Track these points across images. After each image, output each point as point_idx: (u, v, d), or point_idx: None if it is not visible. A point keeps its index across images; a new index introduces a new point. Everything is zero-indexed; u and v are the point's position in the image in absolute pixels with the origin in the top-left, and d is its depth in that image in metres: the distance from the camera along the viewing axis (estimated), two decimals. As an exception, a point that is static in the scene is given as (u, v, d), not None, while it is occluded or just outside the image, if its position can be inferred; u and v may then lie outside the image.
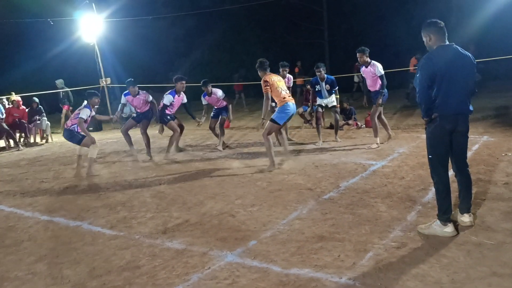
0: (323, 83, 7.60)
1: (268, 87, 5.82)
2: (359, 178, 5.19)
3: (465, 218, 3.47)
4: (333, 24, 20.07)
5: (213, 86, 8.02)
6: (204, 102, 8.10)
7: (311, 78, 8.16)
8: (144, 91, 7.72)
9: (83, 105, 6.62)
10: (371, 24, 18.95)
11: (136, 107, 7.76)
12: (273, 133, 6.27)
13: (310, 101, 8.14)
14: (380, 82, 6.86)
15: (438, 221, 3.35)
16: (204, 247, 3.45)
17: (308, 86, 9.45)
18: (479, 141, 6.72)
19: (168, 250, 3.46)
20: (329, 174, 5.47)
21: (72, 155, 8.52)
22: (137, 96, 7.54)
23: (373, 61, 6.87)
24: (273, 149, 6.02)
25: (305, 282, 2.77)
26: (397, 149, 6.67)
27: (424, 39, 3.41)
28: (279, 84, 5.96)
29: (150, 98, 7.63)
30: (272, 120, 5.90)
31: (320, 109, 7.81)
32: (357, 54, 6.89)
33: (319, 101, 7.77)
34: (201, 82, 7.93)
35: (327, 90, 7.64)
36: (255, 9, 20.18)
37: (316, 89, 7.72)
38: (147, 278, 3.01)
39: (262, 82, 5.90)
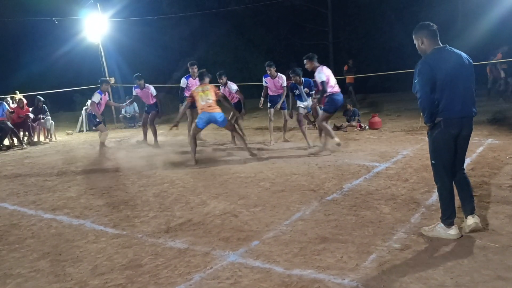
0: (302, 87, 7.46)
1: (190, 98, 6.93)
2: (362, 179, 5.18)
3: (469, 220, 3.32)
4: (337, 26, 20.03)
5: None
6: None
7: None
8: (149, 85, 8.87)
9: (96, 91, 8.08)
10: (375, 27, 18.91)
11: (145, 100, 8.88)
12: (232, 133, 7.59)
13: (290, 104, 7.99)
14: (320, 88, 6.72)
15: (441, 224, 3.32)
16: (207, 246, 3.45)
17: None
18: (483, 144, 6.68)
19: (170, 249, 3.46)
20: (333, 175, 5.46)
21: (75, 154, 8.56)
22: (144, 89, 8.76)
23: (319, 68, 6.72)
24: (195, 148, 6.93)
25: (307, 283, 2.76)
26: (401, 151, 6.64)
27: (415, 42, 3.33)
28: (199, 95, 6.77)
29: (154, 92, 8.83)
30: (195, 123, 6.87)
31: (301, 111, 7.58)
32: (305, 61, 6.81)
33: (298, 103, 7.60)
34: (217, 74, 8.36)
35: (306, 93, 7.51)
36: (260, 10, 20.20)
37: (296, 93, 7.56)
38: (149, 277, 3.01)
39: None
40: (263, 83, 8.10)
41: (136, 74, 8.89)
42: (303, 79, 7.49)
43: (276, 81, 8.02)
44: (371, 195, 4.51)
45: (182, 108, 7.59)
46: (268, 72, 7.94)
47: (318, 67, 6.71)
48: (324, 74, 6.58)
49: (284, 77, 8.14)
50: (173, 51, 22.42)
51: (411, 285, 2.67)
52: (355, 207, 4.16)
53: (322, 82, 6.54)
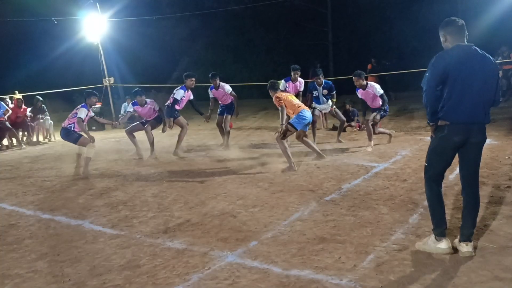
0: (321, 88, 7.65)
1: (281, 101, 5.99)
2: (361, 180, 5.18)
3: (463, 248, 2.98)
4: (337, 26, 20.04)
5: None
6: (210, 95, 8.14)
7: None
8: (151, 100, 7.69)
9: (80, 105, 6.59)
10: (375, 26, 18.93)
11: (145, 116, 7.64)
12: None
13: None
14: (381, 100, 6.96)
15: (432, 236, 3.06)
16: (205, 247, 3.45)
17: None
18: (482, 144, 6.68)
19: (168, 249, 3.46)
20: (331, 175, 5.46)
21: (74, 154, 8.51)
22: (145, 106, 7.52)
23: (369, 83, 7.01)
24: (289, 151, 6.01)
25: (305, 284, 2.76)
26: (400, 152, 6.65)
27: (441, 39, 3.05)
28: (290, 96, 6.26)
29: (157, 107, 7.62)
30: (290, 124, 5.97)
31: (316, 113, 7.77)
32: (353, 78, 6.98)
33: (315, 104, 7.81)
34: (210, 75, 7.96)
35: (324, 95, 7.67)
36: (260, 10, 20.19)
37: (314, 95, 7.76)
38: (147, 278, 3.01)
39: (274, 99, 6.12)
40: (282, 87, 7.44)
41: (135, 90, 7.63)
42: (323, 80, 7.57)
43: (297, 85, 7.89)
44: (369, 196, 4.51)
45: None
46: (296, 76, 7.73)
47: (367, 84, 6.96)
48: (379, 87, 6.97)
49: (303, 81, 8.07)
50: (173, 51, 22.43)
51: (408, 285, 2.67)
52: (353, 208, 4.16)
53: (382, 95, 6.93)
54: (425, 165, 3.14)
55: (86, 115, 6.54)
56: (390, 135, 7.39)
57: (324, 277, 2.84)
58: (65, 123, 6.57)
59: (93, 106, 6.81)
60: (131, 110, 7.69)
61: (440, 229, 3.02)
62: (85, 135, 6.48)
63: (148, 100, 7.58)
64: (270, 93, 6.31)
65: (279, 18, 20.94)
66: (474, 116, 2.89)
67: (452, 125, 2.90)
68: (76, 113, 6.47)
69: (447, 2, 16.66)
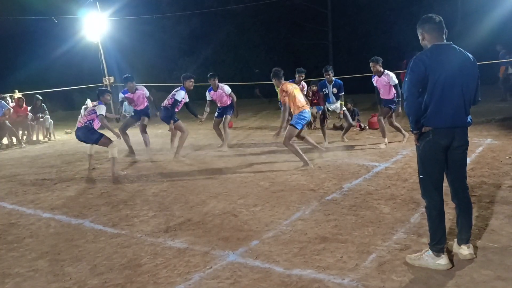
0: (331, 86, 7.63)
1: (287, 97, 5.82)
2: (362, 179, 5.17)
3: (464, 251, 2.94)
4: (337, 26, 20.03)
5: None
6: (208, 97, 7.87)
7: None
8: (142, 86, 7.67)
9: (96, 102, 6.42)
10: (375, 26, 18.91)
11: (135, 104, 7.59)
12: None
13: (317, 102, 8.15)
14: (394, 91, 6.91)
15: (430, 251, 2.87)
16: (206, 246, 3.44)
17: (313, 87, 9.46)
18: (483, 144, 6.68)
19: (170, 249, 3.45)
20: (332, 175, 5.45)
21: (74, 153, 8.53)
22: (136, 92, 7.46)
23: (386, 71, 6.92)
24: (300, 150, 5.96)
25: (307, 283, 2.76)
26: (401, 151, 6.64)
27: (419, 37, 2.92)
28: (296, 92, 5.99)
29: (148, 93, 7.62)
30: (291, 125, 5.89)
31: (326, 112, 7.89)
32: (370, 63, 6.93)
33: (326, 104, 7.86)
34: (208, 75, 7.75)
35: (334, 94, 7.67)
36: (260, 10, 20.18)
37: (324, 92, 7.75)
38: (148, 277, 3.00)
39: (280, 91, 5.98)
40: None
41: (125, 76, 7.51)
42: (333, 78, 7.57)
43: (301, 88, 7.86)
44: (370, 195, 4.50)
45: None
46: (300, 78, 7.69)
47: (383, 71, 6.87)
48: (395, 76, 6.83)
49: (306, 85, 8.01)
50: (173, 50, 22.41)
51: (410, 285, 2.67)
52: (354, 207, 4.16)
53: (396, 86, 6.79)
54: (419, 178, 2.94)
55: (106, 110, 6.41)
56: (404, 135, 7.31)
57: (326, 276, 2.83)
58: (81, 122, 6.32)
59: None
60: (121, 98, 7.62)
61: (441, 246, 2.85)
62: (109, 131, 6.34)
63: (138, 87, 7.53)
64: (274, 82, 6.19)
65: (279, 17, 20.92)
66: (456, 120, 2.79)
67: (436, 130, 2.79)
68: (93, 110, 6.25)
69: (447, 2, 16.66)
